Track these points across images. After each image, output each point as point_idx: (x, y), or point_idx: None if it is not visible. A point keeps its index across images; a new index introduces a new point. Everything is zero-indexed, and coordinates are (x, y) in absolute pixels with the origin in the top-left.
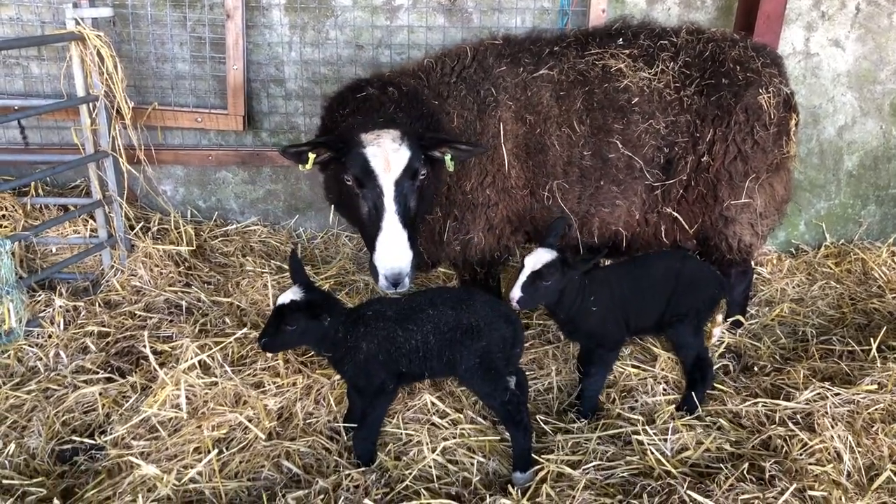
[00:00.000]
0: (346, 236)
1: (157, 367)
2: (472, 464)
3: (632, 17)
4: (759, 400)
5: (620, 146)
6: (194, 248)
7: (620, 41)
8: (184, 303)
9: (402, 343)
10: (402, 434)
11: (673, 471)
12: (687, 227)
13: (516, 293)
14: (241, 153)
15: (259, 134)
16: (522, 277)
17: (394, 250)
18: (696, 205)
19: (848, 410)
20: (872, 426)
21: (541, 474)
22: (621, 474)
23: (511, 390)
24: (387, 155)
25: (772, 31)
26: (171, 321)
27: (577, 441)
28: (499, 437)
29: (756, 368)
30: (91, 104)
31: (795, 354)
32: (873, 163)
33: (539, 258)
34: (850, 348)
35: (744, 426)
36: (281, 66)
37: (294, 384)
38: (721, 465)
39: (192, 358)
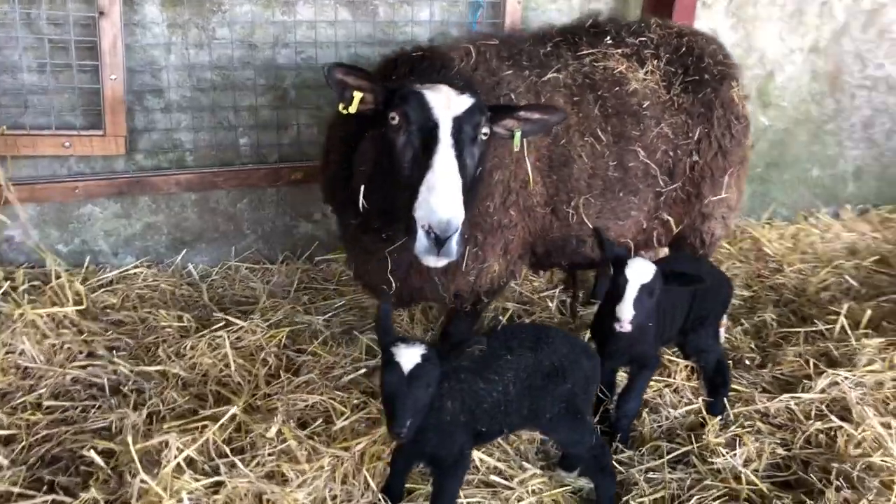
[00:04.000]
0: (247, 268)
1: (130, 475)
2: None
3: (599, 13)
4: (784, 395)
5: (641, 154)
6: (84, 306)
7: (609, 40)
8: (103, 380)
9: (484, 397)
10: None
11: (762, 487)
12: (674, 228)
13: (628, 313)
14: (116, 182)
15: (133, 156)
16: (632, 293)
17: (445, 195)
18: (683, 205)
19: (861, 394)
20: (888, 405)
21: None
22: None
23: (597, 434)
24: (448, 95)
25: (688, 18)
26: (98, 407)
27: (649, 474)
28: (567, 486)
29: (747, 361)
30: None
31: (760, 340)
32: None
33: (645, 269)
34: (809, 329)
35: (777, 425)
36: (158, 72)
37: (321, 467)
38: (784, 472)
39: (176, 456)
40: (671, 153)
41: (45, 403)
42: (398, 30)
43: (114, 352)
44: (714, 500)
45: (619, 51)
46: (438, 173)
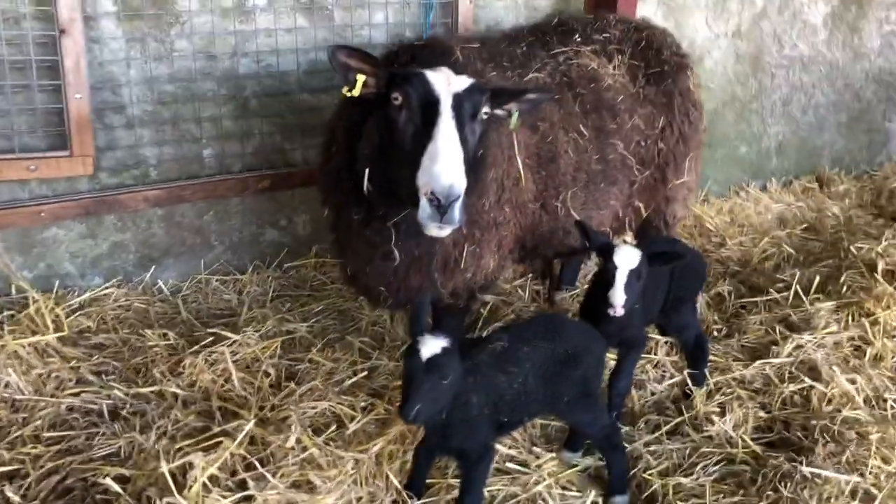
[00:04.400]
0: (218, 280)
1: (156, 498)
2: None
3: (565, 11)
4: (757, 362)
5: (620, 146)
6: (65, 332)
7: (577, 38)
8: (100, 406)
9: (506, 389)
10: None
11: (755, 449)
12: (643, 213)
13: (621, 298)
14: (83, 203)
15: (96, 175)
16: (622, 278)
17: (446, 162)
18: (650, 191)
19: (825, 354)
20: (849, 363)
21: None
22: (713, 468)
23: (608, 413)
24: (448, 75)
25: (630, 10)
26: (101, 434)
27: (649, 447)
28: (576, 466)
29: (715, 333)
30: None
31: (722, 312)
32: None
33: (632, 255)
34: (765, 298)
35: (755, 390)
36: (119, 88)
37: (346, 472)
38: (768, 433)
39: (201, 475)
40: (643, 143)
41: (45, 435)
42: (354, 33)
43: (103, 376)
44: (715, 465)
45: (589, 48)
46: (440, 142)
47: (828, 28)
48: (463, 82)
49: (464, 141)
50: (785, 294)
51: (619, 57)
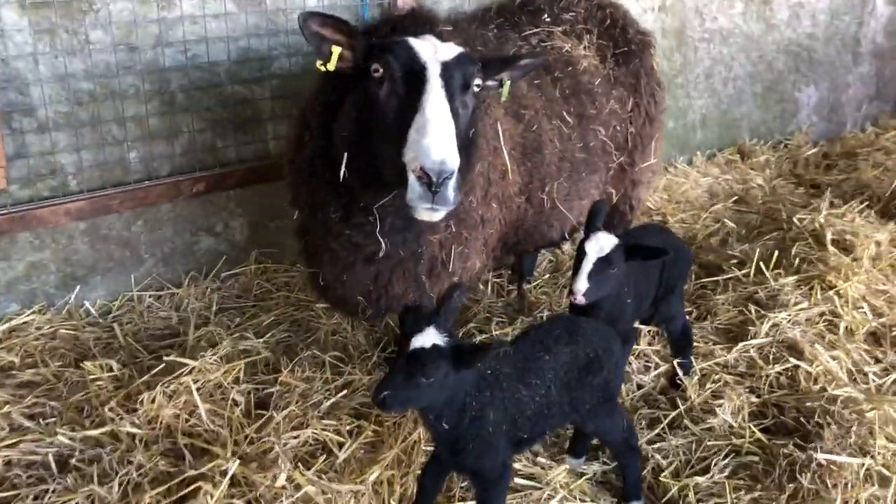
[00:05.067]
0: (151, 297)
1: None
2: None
3: None
4: (739, 344)
5: (601, 132)
6: None
7: (546, 17)
8: (45, 456)
9: (527, 403)
10: None
11: (762, 438)
12: (613, 199)
13: (582, 285)
14: None
15: (5, 188)
16: (587, 266)
17: (437, 134)
18: (619, 176)
19: (802, 332)
20: (825, 339)
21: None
22: (723, 463)
23: (626, 417)
24: (435, 43)
25: None
26: (53, 490)
27: (653, 445)
28: (584, 474)
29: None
30: None
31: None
32: None
33: (603, 242)
34: (726, 277)
35: (740, 374)
36: (26, 87)
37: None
38: (762, 418)
39: None
40: (618, 127)
41: None
42: (287, 17)
43: (40, 420)
44: (724, 458)
45: (560, 29)
46: (428, 113)
47: (743, 0)
48: (451, 50)
49: (455, 114)
50: (746, 271)
51: (588, 37)
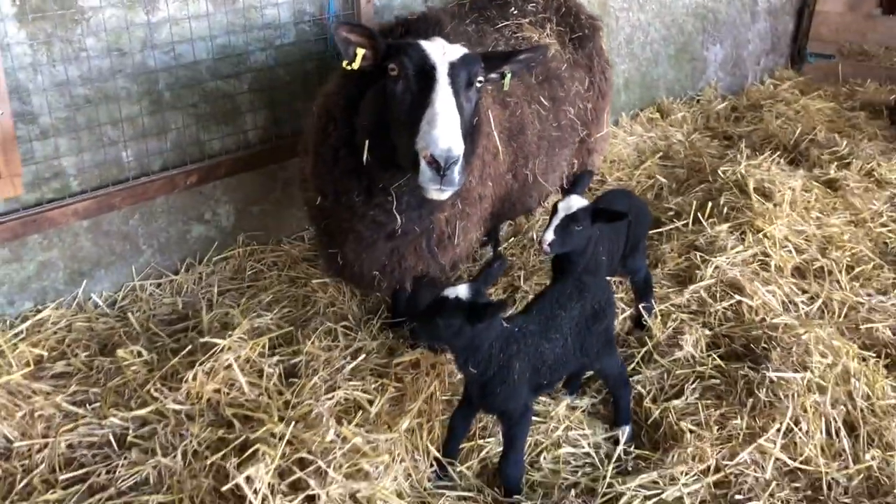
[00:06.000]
0: (152, 284)
1: None
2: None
3: None
4: (690, 286)
5: (571, 112)
6: (31, 367)
7: (514, 10)
8: (106, 435)
9: (548, 355)
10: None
11: (721, 364)
12: (576, 169)
13: (549, 236)
14: (10, 225)
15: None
16: (556, 221)
17: (444, 125)
18: (579, 147)
19: (740, 271)
20: (759, 276)
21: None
22: (692, 387)
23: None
24: (443, 45)
25: None
26: (120, 465)
27: (632, 377)
28: (577, 406)
29: None
30: None
31: None
32: None
33: (572, 202)
34: (669, 228)
35: (692, 311)
36: (28, 96)
37: (391, 454)
38: (717, 348)
39: (263, 485)
40: (581, 105)
41: (60, 478)
42: (258, 13)
43: (87, 406)
44: (692, 383)
45: (527, 20)
46: (437, 107)
47: None
48: (458, 51)
49: (460, 107)
50: (685, 222)
51: (549, 25)
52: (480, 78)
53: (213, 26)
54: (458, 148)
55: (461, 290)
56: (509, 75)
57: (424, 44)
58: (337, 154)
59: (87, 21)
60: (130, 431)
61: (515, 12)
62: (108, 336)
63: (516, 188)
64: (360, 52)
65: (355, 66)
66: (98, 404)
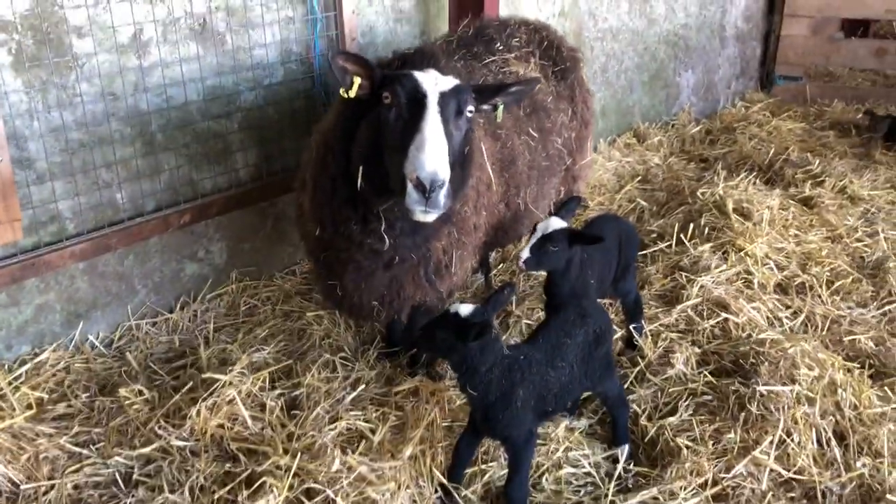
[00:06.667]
0: (148, 324)
1: None
2: (589, 463)
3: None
4: (678, 306)
5: (558, 142)
6: (35, 409)
7: (499, 46)
8: (112, 474)
9: (554, 383)
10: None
11: (713, 380)
12: (563, 196)
13: (525, 254)
14: (9, 270)
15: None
16: (533, 240)
17: (431, 151)
18: (565, 175)
19: (725, 290)
20: (743, 293)
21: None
22: (685, 404)
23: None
24: (436, 76)
25: (494, 10)
26: (129, 503)
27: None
28: (576, 428)
29: None
30: None
31: None
32: None
33: (551, 223)
34: (653, 250)
35: (682, 331)
36: (24, 142)
37: (396, 482)
38: (706, 365)
39: None
40: (566, 135)
41: None
42: (247, 54)
43: (91, 447)
44: (685, 400)
45: (512, 55)
46: (426, 133)
47: (628, 0)
48: (449, 82)
49: (448, 134)
50: (668, 243)
51: (533, 59)
52: (471, 108)
53: (203, 68)
54: (444, 172)
55: (463, 308)
56: (502, 107)
57: (418, 74)
58: (335, 184)
59: (80, 67)
60: (136, 470)
61: (501, 48)
62: (107, 376)
63: (508, 217)
64: (357, 80)
65: (352, 93)
66: (102, 444)
